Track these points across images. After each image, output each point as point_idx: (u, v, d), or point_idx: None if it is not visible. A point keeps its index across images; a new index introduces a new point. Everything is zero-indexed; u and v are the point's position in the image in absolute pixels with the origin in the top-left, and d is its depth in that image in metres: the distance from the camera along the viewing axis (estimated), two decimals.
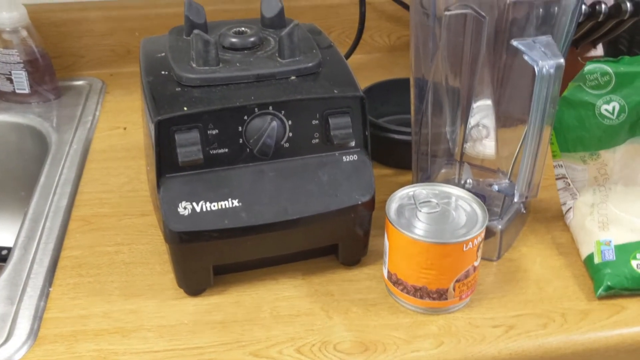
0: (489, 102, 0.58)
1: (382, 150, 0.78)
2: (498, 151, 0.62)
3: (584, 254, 0.62)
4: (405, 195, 0.58)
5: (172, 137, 0.52)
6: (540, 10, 0.51)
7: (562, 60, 0.50)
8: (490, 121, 0.60)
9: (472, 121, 0.62)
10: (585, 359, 0.56)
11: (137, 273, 0.61)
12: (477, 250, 0.55)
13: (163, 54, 0.60)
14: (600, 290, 0.58)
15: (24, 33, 0.87)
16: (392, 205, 0.57)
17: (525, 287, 0.60)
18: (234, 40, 0.59)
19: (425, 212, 0.56)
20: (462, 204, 0.57)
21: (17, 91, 0.89)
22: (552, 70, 0.49)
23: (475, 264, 0.56)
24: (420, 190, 0.59)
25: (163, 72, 0.57)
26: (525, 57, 0.50)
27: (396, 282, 0.57)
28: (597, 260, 0.60)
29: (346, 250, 0.61)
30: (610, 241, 0.60)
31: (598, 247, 0.60)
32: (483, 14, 0.52)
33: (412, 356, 0.53)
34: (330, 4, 1.01)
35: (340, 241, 0.60)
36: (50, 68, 0.91)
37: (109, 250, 0.64)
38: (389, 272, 0.58)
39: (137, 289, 0.60)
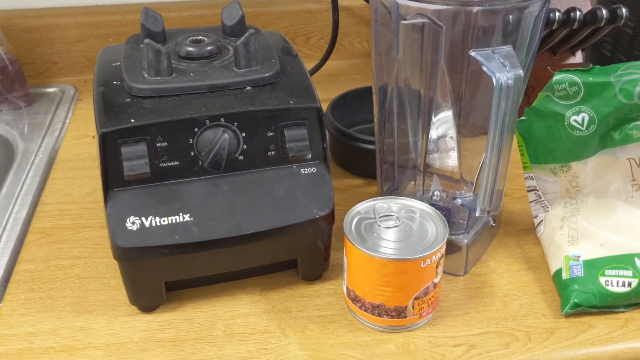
0: (451, 112, 0.56)
1: (352, 160, 0.76)
2: (461, 163, 0.60)
3: (553, 269, 0.60)
4: (366, 209, 0.57)
5: (119, 150, 0.51)
6: (504, 18, 0.49)
7: (520, 72, 0.48)
8: (454, 132, 0.58)
9: (435, 132, 0.60)
10: None
11: (91, 288, 0.60)
12: (437, 267, 0.53)
13: (117, 64, 0.58)
14: (566, 308, 0.56)
15: None
16: (351, 219, 0.55)
17: (490, 303, 0.58)
18: (190, 49, 0.58)
19: (384, 227, 0.54)
20: (424, 219, 0.55)
21: None
22: (510, 82, 0.47)
23: (436, 280, 0.54)
24: (381, 203, 0.57)
25: (115, 82, 0.56)
26: (484, 68, 0.48)
27: (354, 299, 0.55)
28: (565, 276, 0.58)
29: (306, 265, 0.59)
30: (579, 256, 0.58)
31: (567, 262, 0.58)
32: (440, 23, 0.50)
33: None
34: (308, 10, 0.99)
35: (299, 256, 0.58)
36: (20, 75, 0.89)
37: (65, 264, 0.62)
38: (347, 288, 0.56)
39: (90, 304, 0.58)
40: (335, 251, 0.63)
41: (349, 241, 0.53)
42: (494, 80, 0.48)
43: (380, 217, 0.55)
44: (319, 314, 0.57)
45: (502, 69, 0.48)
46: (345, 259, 0.55)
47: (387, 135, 0.63)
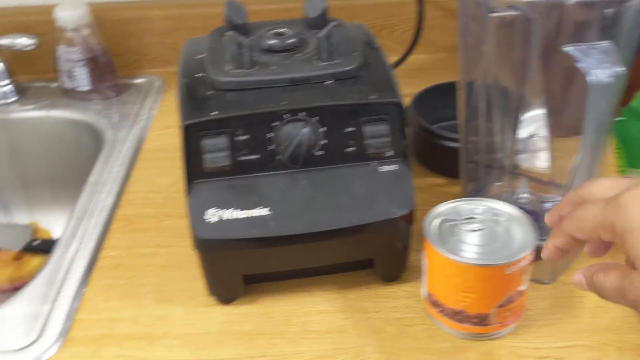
0: (542, 110, 0.53)
1: (435, 158, 0.74)
2: (552, 165, 0.56)
3: None
4: (448, 210, 0.54)
5: (201, 142, 0.51)
6: (601, 12, 0.46)
7: (621, 69, 0.44)
8: (544, 132, 0.55)
9: (525, 131, 0.57)
10: None
11: (171, 277, 0.61)
12: (523, 275, 0.50)
13: (202, 56, 0.59)
14: None
15: (86, 31, 0.88)
16: (432, 220, 0.53)
17: (579, 314, 0.55)
18: (271, 42, 0.57)
19: (467, 230, 0.52)
20: (510, 222, 0.52)
21: (78, 88, 0.91)
22: (609, 80, 0.44)
23: (521, 288, 0.51)
24: (464, 205, 0.54)
25: (198, 75, 0.56)
26: (578, 65, 0.45)
27: (434, 304, 0.53)
28: None
29: (383, 265, 0.58)
30: None
31: None
32: (533, 17, 0.47)
33: None
34: (393, 2, 0.97)
35: (376, 256, 0.57)
36: (110, 66, 0.92)
37: (147, 252, 0.64)
38: (427, 292, 0.54)
39: (169, 293, 0.59)
40: (414, 252, 0.61)
41: (429, 243, 0.51)
42: (588, 78, 0.44)
43: (463, 219, 0.53)
44: (396, 317, 0.56)
45: (600, 66, 0.44)
46: (425, 262, 0.53)
47: (473, 133, 0.61)
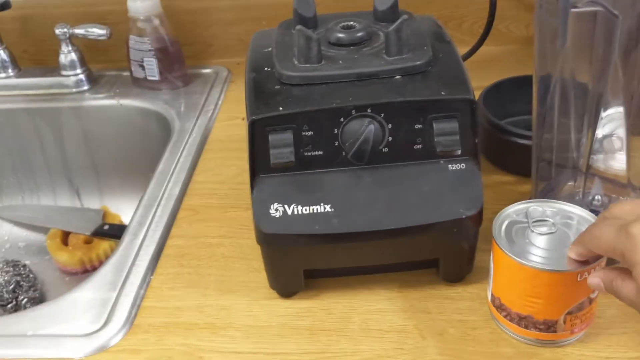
0: (621, 109, 0.50)
1: (504, 155, 0.72)
2: (630, 166, 0.54)
3: None
4: (518, 211, 0.52)
5: (267, 137, 0.51)
6: None
7: None
8: (622, 131, 0.52)
9: (602, 130, 0.54)
10: None
11: (234, 268, 0.61)
12: None
13: (269, 49, 0.59)
14: None
15: (156, 21, 0.90)
16: (501, 222, 0.52)
17: None
18: (340, 35, 0.56)
19: (538, 233, 0.50)
20: (583, 226, 0.50)
21: (148, 78, 0.93)
22: None
23: (592, 295, 0.49)
24: (535, 207, 0.52)
25: (266, 69, 0.56)
26: None
27: (500, 307, 0.52)
28: None
29: (448, 266, 0.57)
30: None
31: None
32: (616, 12, 0.44)
33: None
34: None
35: (442, 256, 0.56)
36: (179, 56, 0.94)
37: (212, 242, 0.65)
38: (492, 295, 0.53)
39: (232, 284, 0.60)
40: (481, 252, 0.59)
41: (498, 246, 0.49)
42: None
43: (533, 221, 0.51)
44: (459, 318, 0.54)
45: None
46: (492, 264, 0.52)
47: (547, 130, 0.58)
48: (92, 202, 0.99)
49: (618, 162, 0.55)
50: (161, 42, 0.91)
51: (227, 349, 0.53)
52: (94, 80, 0.97)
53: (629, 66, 0.50)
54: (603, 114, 0.53)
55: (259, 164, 0.52)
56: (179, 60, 0.94)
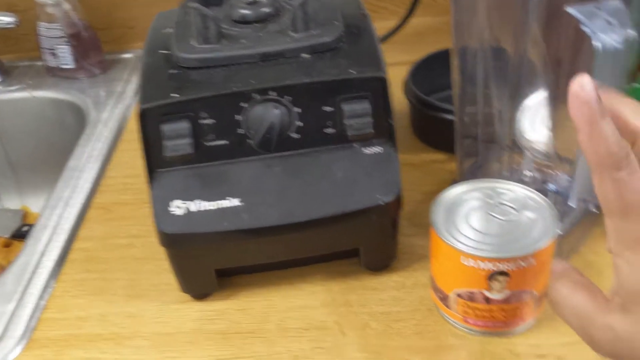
0: (546, 77, 0.47)
1: (433, 132, 0.69)
2: (559, 137, 0.50)
3: None
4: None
5: (160, 129, 0.46)
6: None
7: (632, 33, 0.38)
8: (548, 101, 0.49)
9: (526, 101, 0.51)
10: None
11: (145, 270, 0.57)
12: (489, 279, 0.44)
13: (169, 30, 0.53)
14: None
15: (67, 6, 0.84)
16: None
17: None
18: (244, 11, 0.52)
19: (479, 217, 0.46)
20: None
21: (62, 66, 0.87)
22: (617, 45, 0.38)
23: (490, 295, 0.45)
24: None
25: (163, 52, 0.51)
26: (584, 29, 0.39)
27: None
28: None
29: (369, 255, 0.53)
30: None
31: None
32: None
33: None
34: None
35: (361, 246, 0.52)
36: (95, 41, 0.88)
37: (122, 243, 0.60)
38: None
39: (142, 289, 0.55)
40: (407, 237, 0.57)
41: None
42: (594, 43, 0.38)
43: (475, 204, 0.47)
44: (382, 311, 0.51)
45: (607, 29, 0.38)
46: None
47: (469, 104, 0.55)
48: (12, 202, 0.93)
49: (544, 135, 0.52)
50: (73, 27, 0.85)
51: None
52: (5, 72, 0.90)
53: (551, 31, 0.46)
54: (526, 84, 0.50)
55: (155, 158, 0.48)
56: (95, 46, 0.88)
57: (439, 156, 0.68)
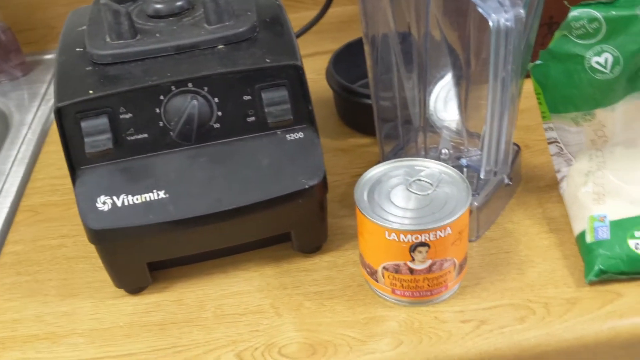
0: (450, 60, 0.49)
1: (358, 118, 0.70)
2: (470, 116, 0.53)
3: (576, 231, 0.53)
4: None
5: (79, 125, 0.46)
6: None
7: (521, 11, 0.41)
8: (455, 81, 0.51)
9: (437, 82, 0.53)
10: (571, 358, 0.48)
11: (77, 269, 0.57)
12: (412, 251, 0.47)
13: (83, 28, 0.53)
14: (590, 276, 0.50)
15: None
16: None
17: (505, 272, 0.52)
18: (157, 6, 0.52)
19: (401, 193, 0.49)
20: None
21: None
22: (509, 24, 0.40)
23: (413, 266, 0.47)
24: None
25: (78, 49, 0.51)
26: (479, 9, 0.41)
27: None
28: (589, 239, 0.51)
29: (300, 238, 0.54)
30: (605, 216, 0.52)
31: (591, 223, 0.52)
32: None
33: (365, 359, 0.47)
34: None
35: (292, 229, 0.54)
36: (14, 43, 0.86)
37: (53, 244, 0.60)
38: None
39: (76, 287, 0.55)
40: (339, 219, 0.58)
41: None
42: (490, 23, 0.41)
43: (395, 182, 0.49)
44: (315, 290, 0.53)
45: (500, 9, 0.40)
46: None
47: (386, 89, 0.57)
48: None
49: (454, 113, 0.55)
50: None
51: (69, 357, 0.49)
52: None
53: (457, 14, 0.49)
54: (434, 66, 0.52)
55: (77, 155, 0.48)
56: (15, 48, 0.86)
57: (365, 140, 0.69)
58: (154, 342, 0.50)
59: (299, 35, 0.82)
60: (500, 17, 0.40)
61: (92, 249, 0.58)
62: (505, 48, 0.41)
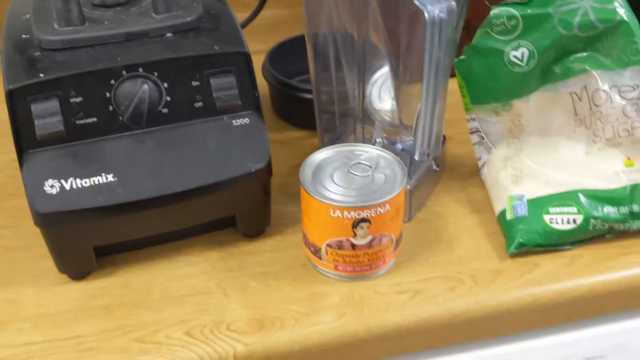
0: (386, 57, 0.54)
1: (294, 112, 0.74)
2: (402, 109, 0.57)
3: (497, 210, 0.59)
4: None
5: (29, 108, 0.47)
6: None
7: (452, 3, 0.45)
8: (391, 76, 0.55)
9: (374, 77, 0.57)
10: (496, 321, 0.53)
11: (18, 259, 0.56)
12: (355, 227, 0.50)
13: (28, 16, 0.54)
14: (511, 248, 0.55)
15: None
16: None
17: (436, 249, 0.57)
18: None
19: (341, 176, 0.52)
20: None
21: None
22: (442, 15, 0.45)
23: (355, 241, 0.51)
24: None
25: (24, 36, 0.51)
26: (415, 2, 0.46)
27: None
28: (509, 216, 0.57)
29: (245, 221, 0.57)
30: (522, 195, 0.57)
31: (510, 202, 0.57)
32: None
33: (312, 330, 0.50)
34: None
35: (237, 213, 0.56)
36: None
37: None
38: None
39: (17, 276, 0.55)
40: (280, 206, 0.61)
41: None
42: (425, 14, 0.45)
43: (337, 164, 0.53)
44: (261, 271, 0.55)
45: (434, 1, 0.45)
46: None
47: (326, 83, 0.60)
48: None
49: (390, 106, 0.59)
50: None
51: (15, 343, 0.49)
52: None
53: (391, 11, 0.53)
54: (372, 62, 0.56)
55: (26, 138, 0.48)
56: None
57: (301, 133, 0.73)
58: (102, 324, 0.50)
59: None
60: (434, 9, 0.45)
61: (32, 239, 0.58)
62: (439, 38, 0.46)
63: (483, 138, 0.62)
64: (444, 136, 0.65)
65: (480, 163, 0.63)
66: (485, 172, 0.62)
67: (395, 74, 0.57)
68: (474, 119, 0.62)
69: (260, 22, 0.88)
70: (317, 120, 0.63)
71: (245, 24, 0.84)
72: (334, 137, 0.64)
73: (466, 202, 0.62)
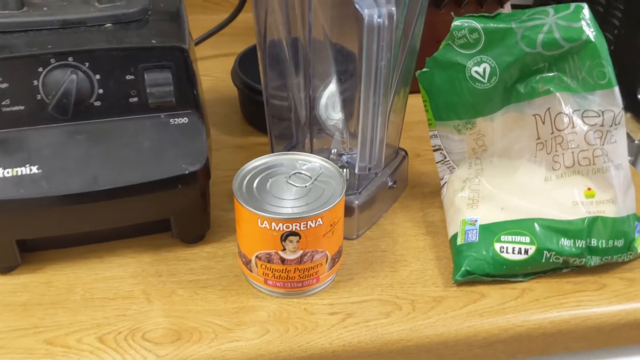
0: (333, 65, 0.51)
1: (257, 116, 0.71)
2: (347, 117, 0.54)
3: (450, 233, 0.55)
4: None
5: None
6: None
7: (393, 8, 0.42)
8: (335, 83, 0.53)
9: (326, 85, 0.55)
10: (430, 354, 0.49)
11: None
12: (283, 240, 0.47)
13: None
14: (457, 276, 0.52)
15: None
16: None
17: (379, 269, 0.54)
18: None
19: (277, 186, 0.49)
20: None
21: None
22: (381, 20, 0.42)
23: (285, 256, 0.48)
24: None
25: None
26: (355, 5, 0.43)
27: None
28: (459, 241, 0.53)
29: (180, 225, 0.54)
30: (475, 220, 0.54)
31: (463, 226, 0.54)
32: None
33: (230, 347, 0.47)
34: None
35: (172, 216, 0.53)
36: None
37: None
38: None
39: None
40: (225, 212, 0.58)
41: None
42: (363, 17, 0.42)
43: (276, 173, 0.50)
44: (191, 279, 0.52)
45: (373, 5, 0.42)
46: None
47: (280, 89, 0.58)
48: None
49: (338, 114, 0.56)
50: None
51: None
52: None
53: (331, 13, 0.50)
54: (318, 69, 0.54)
55: None
56: None
57: (265, 139, 0.70)
58: (14, 322, 0.48)
59: (211, 35, 0.82)
60: (373, 13, 0.42)
61: None
62: (378, 44, 0.43)
63: (445, 157, 0.59)
64: (405, 152, 0.62)
65: (442, 183, 0.60)
66: (444, 192, 0.59)
67: (344, 78, 0.54)
68: (437, 136, 0.59)
69: (241, 25, 0.86)
70: (267, 127, 0.60)
71: (223, 26, 0.82)
72: (289, 145, 0.62)
73: (422, 222, 0.59)
